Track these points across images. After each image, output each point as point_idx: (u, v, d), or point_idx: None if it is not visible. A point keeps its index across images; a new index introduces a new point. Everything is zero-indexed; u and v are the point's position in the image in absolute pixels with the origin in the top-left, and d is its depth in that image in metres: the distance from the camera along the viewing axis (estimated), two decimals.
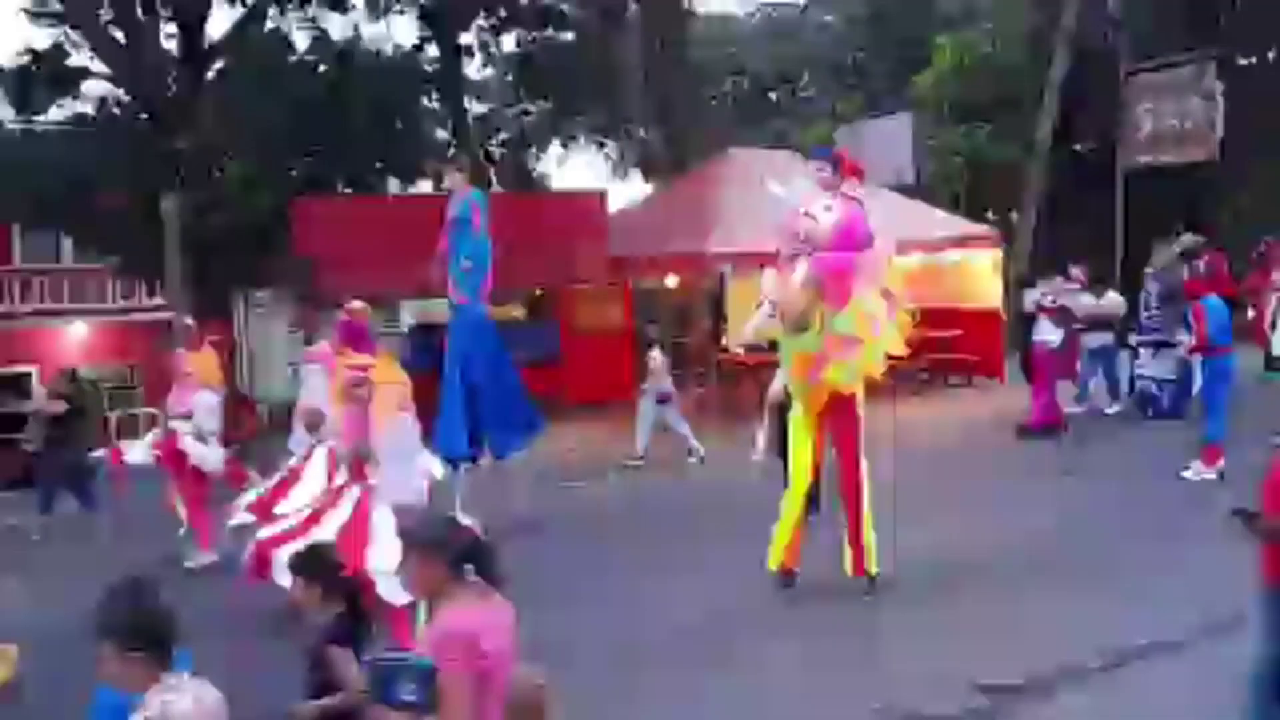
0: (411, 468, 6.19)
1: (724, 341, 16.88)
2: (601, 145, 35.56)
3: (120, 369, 26.31)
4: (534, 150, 33.05)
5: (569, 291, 18.18)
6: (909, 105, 26.04)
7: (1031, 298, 13.89)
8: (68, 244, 25.80)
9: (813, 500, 8.85)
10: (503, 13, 22.61)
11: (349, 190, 20.90)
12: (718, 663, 6.86)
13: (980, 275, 17.89)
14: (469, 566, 3.53)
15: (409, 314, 19.69)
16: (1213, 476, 10.18)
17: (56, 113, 19.31)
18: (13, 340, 26.30)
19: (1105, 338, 14.06)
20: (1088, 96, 24.19)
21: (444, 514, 4.57)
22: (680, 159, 23.24)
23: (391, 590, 5.52)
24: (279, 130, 18.80)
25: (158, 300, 21.97)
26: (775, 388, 9.45)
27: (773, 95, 36.73)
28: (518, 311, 19.66)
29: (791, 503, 7.91)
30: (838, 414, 7.83)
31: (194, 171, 18.76)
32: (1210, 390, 10.63)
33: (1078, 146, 25.46)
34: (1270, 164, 22.63)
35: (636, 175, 34.76)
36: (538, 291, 19.00)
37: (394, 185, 22.88)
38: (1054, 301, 13.62)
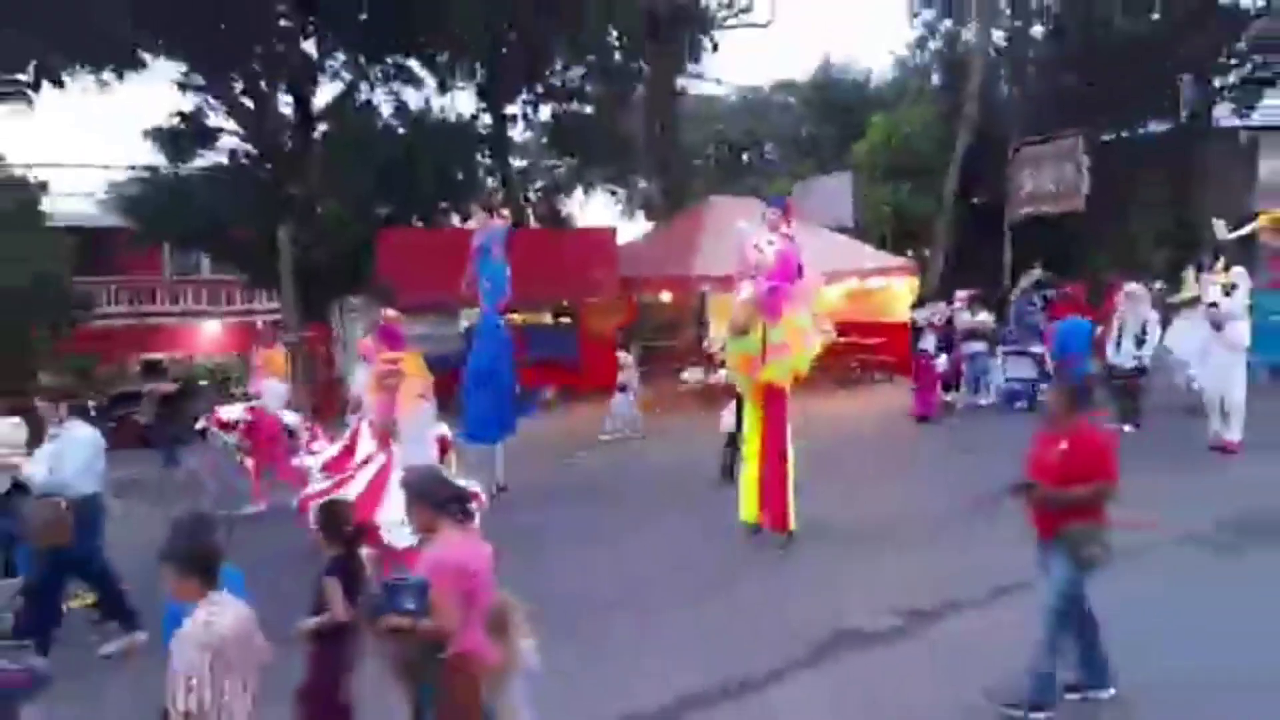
0: (426, 442, 6.15)
1: (705, 343, 16.84)
2: (613, 192, 35.49)
3: (244, 357, 26.33)
4: (562, 195, 32.98)
5: (586, 303, 18.17)
6: (849, 167, 26.03)
7: (921, 315, 13.77)
8: (205, 260, 25.85)
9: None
10: (540, 89, 22.58)
11: (420, 224, 20.87)
12: (706, 593, 6.82)
13: (900, 297, 17.86)
14: (454, 509, 3.68)
15: (464, 319, 19.60)
16: None
17: (198, 162, 19.24)
18: (162, 334, 26.36)
19: (980, 346, 14.22)
20: (983, 163, 24.16)
21: (434, 470, 4.60)
22: (674, 204, 23.23)
23: (399, 537, 5.52)
24: (367, 179, 18.77)
25: (274, 304, 21.93)
26: (727, 420, 9.60)
27: (745, 157, 36.63)
28: (546, 319, 19.62)
29: (749, 471, 7.97)
30: (769, 400, 7.81)
31: (302, 210, 18.74)
32: None
33: (975, 200, 25.40)
34: (1123, 215, 22.64)
35: (640, 215, 34.71)
36: (563, 303, 18.96)
37: (454, 220, 22.85)
38: (939, 319, 13.71)
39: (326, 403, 20.02)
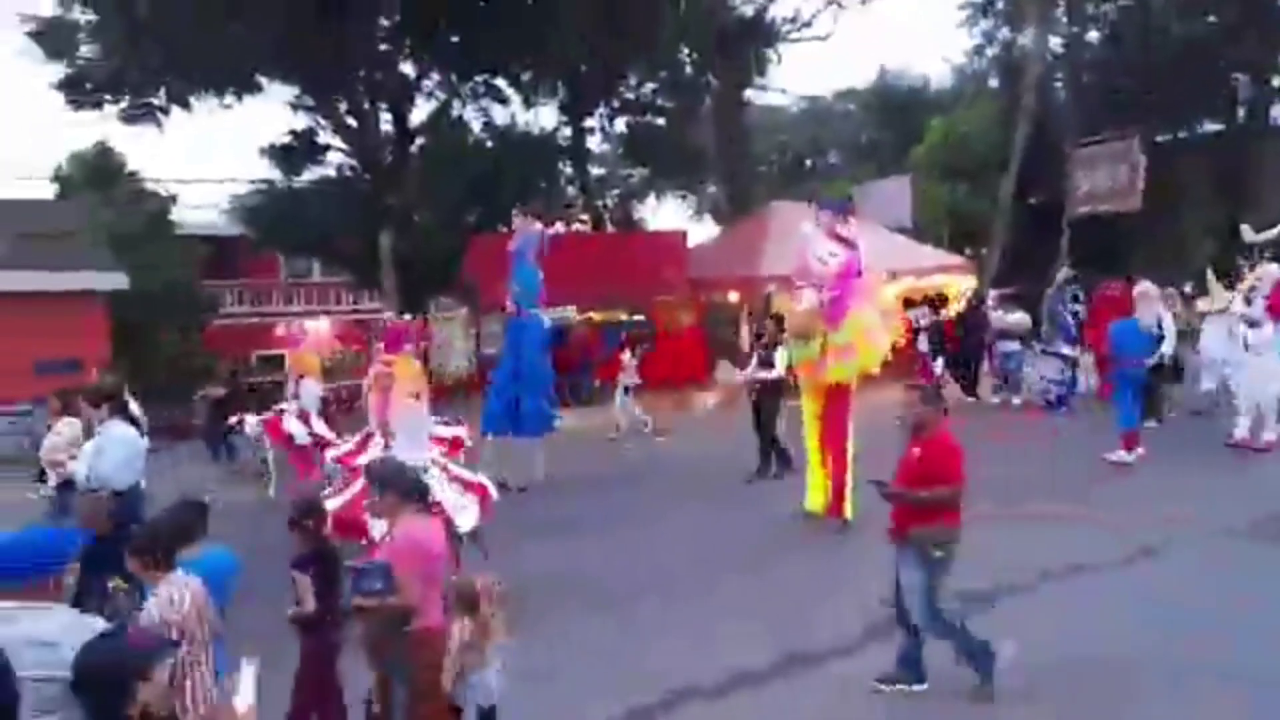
0: (418, 441, 5.85)
1: (741, 342, 16.77)
2: (684, 198, 35.43)
3: (350, 352, 27.01)
4: (636, 201, 33.05)
5: (658, 301, 18.17)
6: (908, 170, 25.50)
7: (915, 315, 13.46)
8: (316, 264, 26.57)
9: (788, 461, 9.23)
10: (615, 104, 22.67)
11: (507, 229, 21.13)
12: (749, 570, 6.77)
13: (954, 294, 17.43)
14: (415, 496, 3.76)
15: (546, 319, 19.78)
16: (1130, 460, 9.32)
17: (308, 176, 19.82)
18: (278, 332, 27.19)
19: (1013, 345, 13.53)
20: (1040, 164, 23.42)
21: (396, 461, 4.53)
22: (739, 209, 23.08)
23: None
24: (458, 189, 19.09)
25: (376, 304, 22.46)
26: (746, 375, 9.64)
27: (808, 163, 36.17)
28: (623, 315, 19.67)
29: (813, 465, 7.91)
30: (833, 398, 7.67)
31: (400, 219, 19.14)
32: (1118, 393, 9.88)
33: (1032, 200, 24.65)
34: (1177, 214, 21.71)
35: (709, 219, 34.59)
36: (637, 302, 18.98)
37: (537, 226, 23.08)
38: (926, 320, 13.51)
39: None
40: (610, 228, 27.28)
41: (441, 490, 5.53)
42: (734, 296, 18.08)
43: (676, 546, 7.44)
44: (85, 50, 17.54)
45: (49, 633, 2.30)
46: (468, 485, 5.90)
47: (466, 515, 5.63)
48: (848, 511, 7.58)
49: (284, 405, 10.24)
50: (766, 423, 9.65)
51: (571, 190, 24.92)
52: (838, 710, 4.67)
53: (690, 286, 17.41)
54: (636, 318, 19.09)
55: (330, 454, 7.55)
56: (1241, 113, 24.43)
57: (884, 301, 7.91)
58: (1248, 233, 11.83)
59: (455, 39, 18.38)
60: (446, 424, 8.11)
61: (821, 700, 4.74)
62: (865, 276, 7.63)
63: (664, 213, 38.51)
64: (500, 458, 9.57)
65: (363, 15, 16.48)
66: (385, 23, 18.27)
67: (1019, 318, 13.70)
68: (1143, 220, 20.73)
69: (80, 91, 17.66)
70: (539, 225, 10.40)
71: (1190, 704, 4.40)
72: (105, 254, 17.38)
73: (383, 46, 18.46)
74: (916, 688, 4.67)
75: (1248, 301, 9.49)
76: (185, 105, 17.70)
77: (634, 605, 6.10)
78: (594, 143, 24.75)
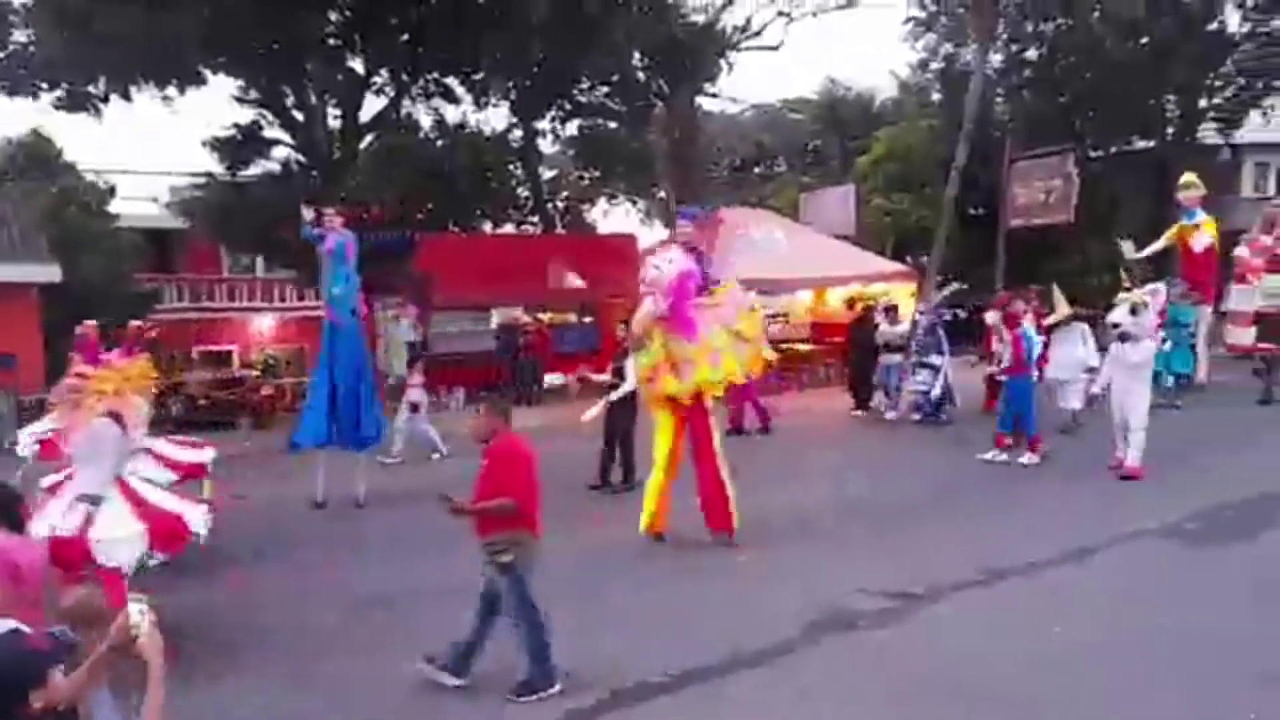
0: (102, 465, 5.18)
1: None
2: (634, 202, 35.44)
3: (295, 349, 26.56)
4: (587, 205, 32.98)
5: (607, 303, 18.15)
6: (853, 179, 25.90)
7: None
8: (260, 260, 26.01)
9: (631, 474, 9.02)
10: (567, 106, 22.58)
11: (456, 229, 20.93)
12: (685, 571, 6.74)
13: (900, 300, 17.71)
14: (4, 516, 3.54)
15: (497, 317, 19.65)
16: (1036, 461, 9.59)
17: (252, 170, 19.36)
18: (221, 328, 26.57)
19: (895, 358, 13.16)
20: (980, 176, 23.96)
21: None
22: None
23: (113, 554, 4.96)
24: (408, 186, 18.84)
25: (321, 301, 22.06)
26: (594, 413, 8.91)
27: (756, 170, 36.49)
28: (573, 316, 19.64)
29: (654, 477, 7.38)
30: (693, 413, 7.23)
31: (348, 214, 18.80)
32: (1019, 401, 9.88)
33: (972, 211, 25.20)
34: (1108, 227, 22.41)
35: (658, 223, 34.68)
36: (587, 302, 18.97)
37: (487, 226, 22.93)
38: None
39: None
40: (561, 230, 27.20)
41: (116, 516, 5.08)
42: None
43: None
44: (19, 35, 16.94)
45: None
46: (153, 514, 5.25)
47: (122, 548, 5.01)
48: (734, 522, 7.16)
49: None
50: (618, 432, 9.28)
51: (523, 191, 24.78)
52: None
53: (639, 288, 17.44)
54: (587, 320, 19.11)
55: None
56: (1171, 131, 25.32)
57: (750, 329, 7.39)
58: (1127, 249, 12.01)
59: (405, 37, 18.13)
60: (195, 446, 7.74)
61: None
62: (729, 297, 7.36)
63: (614, 216, 38.46)
64: (327, 473, 9.08)
65: (308, 8, 16.14)
66: (335, 18, 17.94)
67: (900, 329, 13.29)
68: (1075, 232, 21.35)
69: (14, 78, 17.03)
70: (340, 221, 9.59)
71: (1131, 704, 4.45)
72: (39, 246, 16.79)
73: (331, 42, 18.11)
74: (453, 681, 4.73)
75: (1134, 312, 8.78)
76: (125, 95, 17.15)
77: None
78: (545, 145, 24.65)
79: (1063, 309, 10.72)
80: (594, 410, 9.00)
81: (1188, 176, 12.39)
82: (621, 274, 17.32)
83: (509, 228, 24.34)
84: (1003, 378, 10.53)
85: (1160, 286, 9.38)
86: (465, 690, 4.74)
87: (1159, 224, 19.79)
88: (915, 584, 6.04)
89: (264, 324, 27.64)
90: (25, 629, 2.58)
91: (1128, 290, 9.10)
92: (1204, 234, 12.07)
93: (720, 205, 21.60)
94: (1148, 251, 12.23)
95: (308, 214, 9.67)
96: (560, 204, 30.49)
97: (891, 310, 13.59)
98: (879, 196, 25.69)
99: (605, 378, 9.61)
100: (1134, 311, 8.72)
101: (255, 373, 21.31)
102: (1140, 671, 4.72)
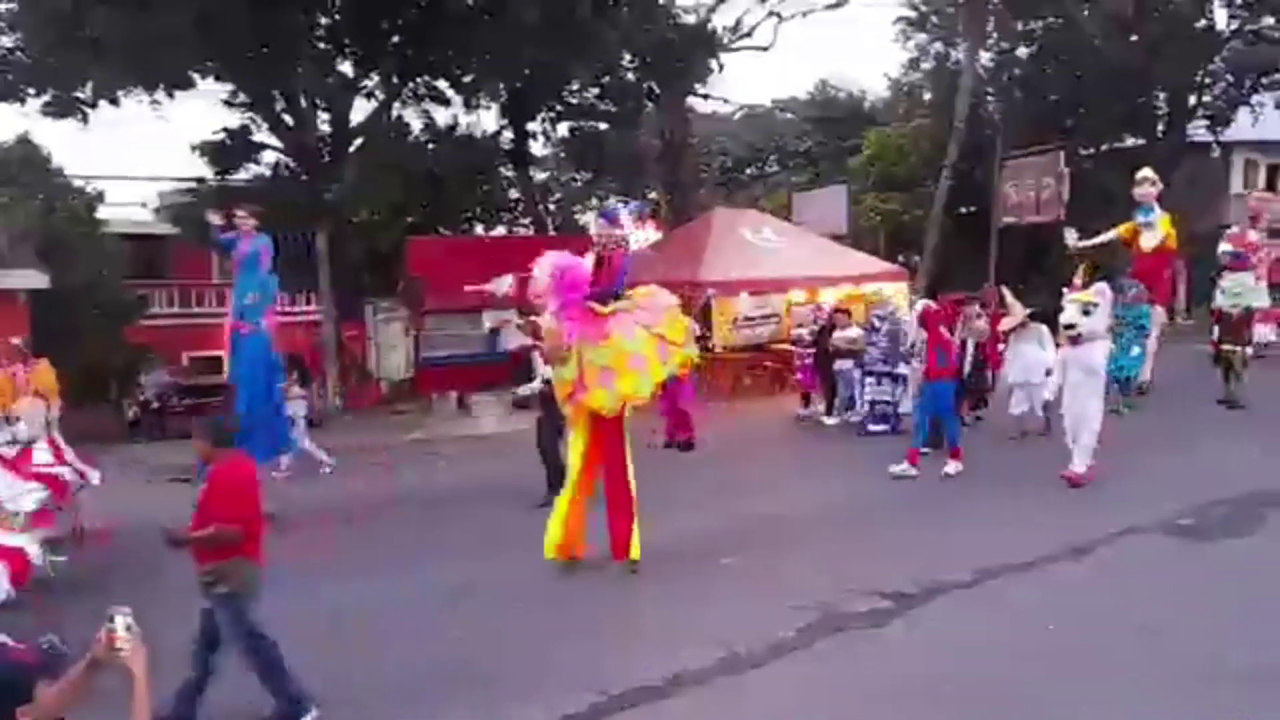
0: None
1: (709, 343, 16.81)
2: (626, 203, 35.43)
3: (284, 355, 26.41)
4: (578, 206, 33.00)
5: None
6: (844, 179, 25.97)
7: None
8: None
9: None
10: (558, 108, 22.58)
11: (447, 231, 20.92)
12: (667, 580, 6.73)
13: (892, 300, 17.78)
14: None
15: (488, 320, 19.63)
16: (960, 469, 9.02)
17: (242, 174, 19.33)
18: (213, 335, 26.44)
19: (848, 364, 12.31)
20: (972, 176, 24.08)
21: None
22: (680, 214, 23.21)
23: None
24: (398, 188, 18.81)
25: (314, 306, 22.02)
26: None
27: (748, 170, 36.55)
28: None
29: (561, 499, 6.88)
30: (605, 429, 6.72)
31: (338, 217, 18.79)
32: (939, 406, 9.39)
33: (963, 210, 25.31)
34: (1097, 225, 22.51)
35: (650, 225, 34.63)
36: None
37: (479, 228, 22.92)
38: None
39: (360, 394, 20.12)
40: (553, 232, 27.20)
41: None
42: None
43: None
44: (5, 40, 16.87)
45: None
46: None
47: None
48: (634, 553, 6.63)
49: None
50: (543, 439, 8.79)
51: (514, 194, 24.78)
52: None
53: (632, 290, 17.44)
54: None
55: None
56: (1161, 129, 25.46)
57: (675, 332, 6.93)
58: (1070, 236, 11.58)
59: (395, 39, 18.11)
60: (87, 461, 7.49)
61: None
62: (649, 300, 6.93)
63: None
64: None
65: (298, 11, 16.12)
66: (324, 21, 17.91)
67: (851, 334, 12.44)
68: (1095, 227, 21.45)
69: (1, 83, 16.96)
70: (254, 224, 9.14)
71: (1126, 702, 4.45)
72: (27, 253, 16.70)
73: (321, 45, 18.09)
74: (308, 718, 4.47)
75: (1085, 312, 8.37)
76: (113, 101, 17.09)
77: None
78: (536, 147, 24.64)
79: (1018, 311, 10.13)
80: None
81: (1142, 171, 11.79)
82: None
83: (500, 230, 24.35)
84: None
85: (1105, 286, 8.78)
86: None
87: None
88: (909, 584, 6.06)
89: None
90: (10, 642, 2.54)
91: (1086, 286, 8.73)
92: (1157, 232, 11.46)
93: (708, 205, 21.64)
94: (1093, 241, 11.93)
95: (215, 219, 9.26)
96: (552, 206, 30.52)
97: (842, 314, 12.89)
98: (870, 196, 25.79)
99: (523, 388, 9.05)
100: (1086, 312, 8.33)
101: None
102: (1131, 670, 4.74)
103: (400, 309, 19.17)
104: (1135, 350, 10.99)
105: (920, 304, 10.23)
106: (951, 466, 9.09)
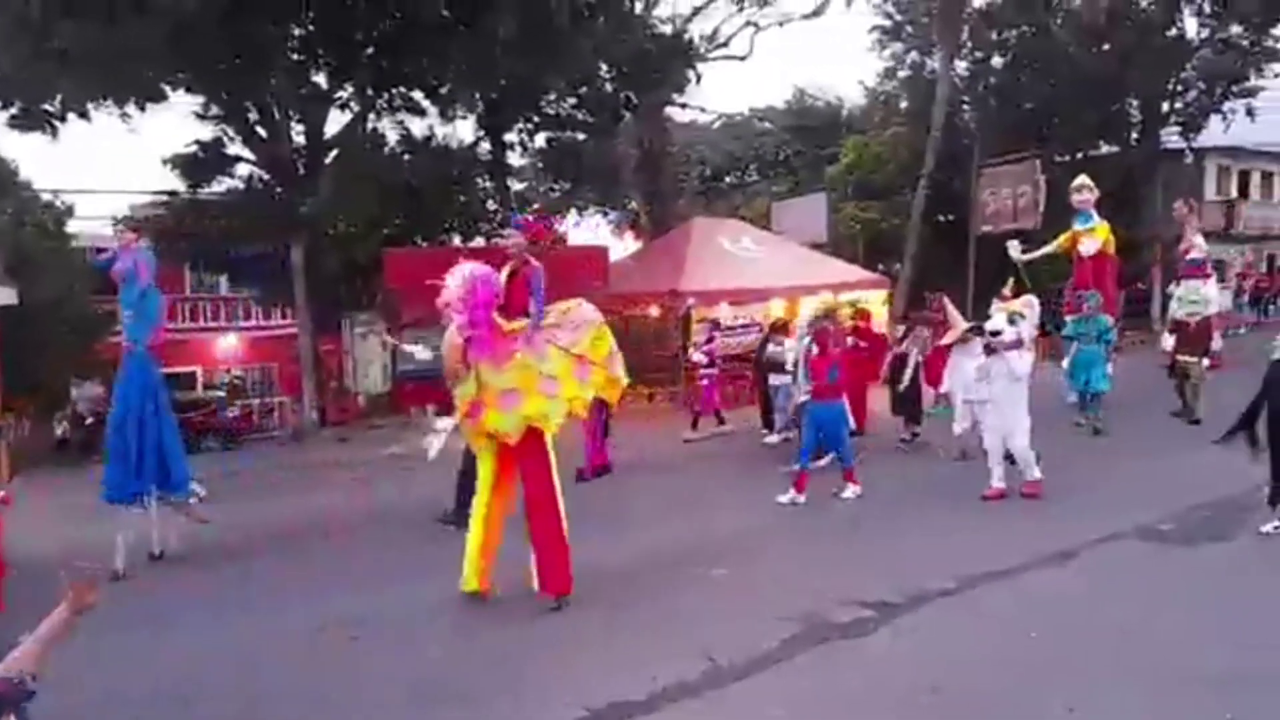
0: None
1: (689, 353, 16.81)
2: (605, 214, 35.51)
3: (260, 368, 26.25)
4: (558, 217, 32.98)
5: None
6: (823, 187, 26.14)
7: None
8: (223, 278, 25.73)
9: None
10: (535, 119, 22.60)
11: (424, 243, 20.85)
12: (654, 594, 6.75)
13: (871, 308, 17.87)
14: None
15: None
16: (860, 492, 8.75)
17: (216, 187, 19.20)
18: (184, 348, 26.18)
19: (782, 379, 11.65)
20: (949, 183, 24.31)
21: None
22: (659, 224, 23.28)
23: None
24: (375, 200, 18.73)
25: (288, 320, 21.85)
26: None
27: (727, 179, 36.71)
28: None
29: (474, 534, 6.36)
30: (525, 454, 6.17)
31: (313, 230, 18.69)
32: (827, 429, 9.01)
33: (941, 218, 25.54)
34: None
35: (629, 235, 34.72)
36: None
37: (456, 240, 22.81)
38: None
39: (338, 408, 19.97)
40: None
41: None
42: (655, 311, 18.19)
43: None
44: None
45: None
46: None
47: None
48: (570, 585, 6.18)
49: None
50: (465, 460, 8.03)
51: (491, 204, 24.73)
52: None
53: (611, 301, 17.43)
54: None
55: None
56: (1135, 136, 25.86)
57: (597, 351, 6.38)
58: (1013, 249, 11.55)
59: (370, 50, 18.07)
60: None
61: None
62: (568, 318, 6.33)
63: (584, 229, 38.51)
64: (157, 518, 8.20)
65: (271, 22, 16.04)
66: (298, 32, 17.84)
67: (785, 347, 11.78)
68: (1043, 237, 21.69)
69: None
70: (135, 237, 8.65)
71: (1110, 707, 4.45)
72: None
73: (295, 56, 18.01)
74: None
75: (1011, 321, 8.27)
76: (83, 114, 16.91)
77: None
78: (514, 157, 24.64)
79: (959, 324, 9.86)
80: (435, 442, 8.01)
81: (1079, 178, 11.72)
82: (592, 286, 17.31)
83: (479, 241, 24.28)
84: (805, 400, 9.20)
85: (1033, 299, 8.66)
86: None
87: (1123, 228, 20.16)
88: (893, 593, 6.06)
89: (228, 343, 27.32)
90: None
91: (1015, 297, 8.71)
92: (1095, 238, 11.36)
93: (687, 215, 21.65)
94: (1035, 255, 11.98)
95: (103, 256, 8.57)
96: (530, 216, 30.49)
97: (779, 329, 12.49)
98: (850, 204, 25.96)
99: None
100: (1012, 321, 8.26)
101: (217, 394, 21.09)
102: (1115, 675, 4.77)
103: (377, 322, 19.05)
104: (1101, 366, 10.91)
105: (815, 324, 9.63)
106: (850, 491, 8.76)
